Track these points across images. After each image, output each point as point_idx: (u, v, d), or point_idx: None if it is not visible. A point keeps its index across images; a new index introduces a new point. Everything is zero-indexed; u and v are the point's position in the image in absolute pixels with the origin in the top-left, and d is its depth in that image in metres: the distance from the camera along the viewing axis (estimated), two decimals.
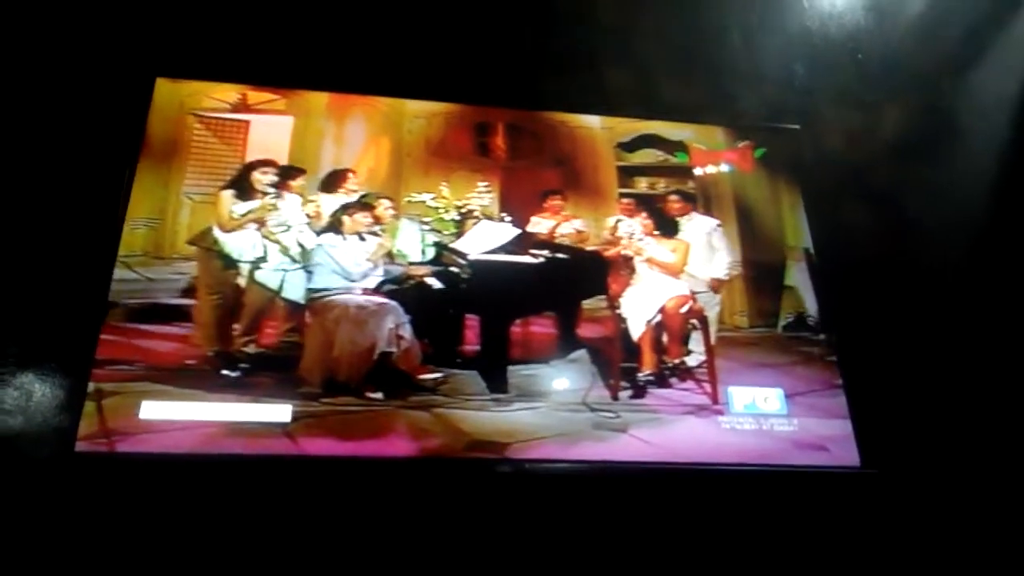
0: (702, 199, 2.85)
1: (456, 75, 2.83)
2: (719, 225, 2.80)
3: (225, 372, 2.29)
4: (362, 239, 2.56)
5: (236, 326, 2.41)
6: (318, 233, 2.55)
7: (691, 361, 2.61)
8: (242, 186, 2.53)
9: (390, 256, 2.60)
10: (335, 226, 2.55)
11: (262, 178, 2.55)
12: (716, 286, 2.74)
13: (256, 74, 2.68)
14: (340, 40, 2.82)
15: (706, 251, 2.77)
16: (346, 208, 2.58)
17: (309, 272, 2.49)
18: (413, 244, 2.66)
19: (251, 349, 2.38)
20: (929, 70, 3.34)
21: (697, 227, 2.80)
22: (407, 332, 2.42)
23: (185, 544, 2.09)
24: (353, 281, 2.49)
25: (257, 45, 2.75)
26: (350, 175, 2.65)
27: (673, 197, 2.83)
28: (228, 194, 2.51)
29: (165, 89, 2.57)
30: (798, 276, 2.76)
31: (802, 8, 3.32)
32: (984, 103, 3.30)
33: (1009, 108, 3.30)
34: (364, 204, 2.60)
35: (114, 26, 2.65)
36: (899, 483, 2.44)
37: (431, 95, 2.78)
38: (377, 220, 2.60)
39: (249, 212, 2.51)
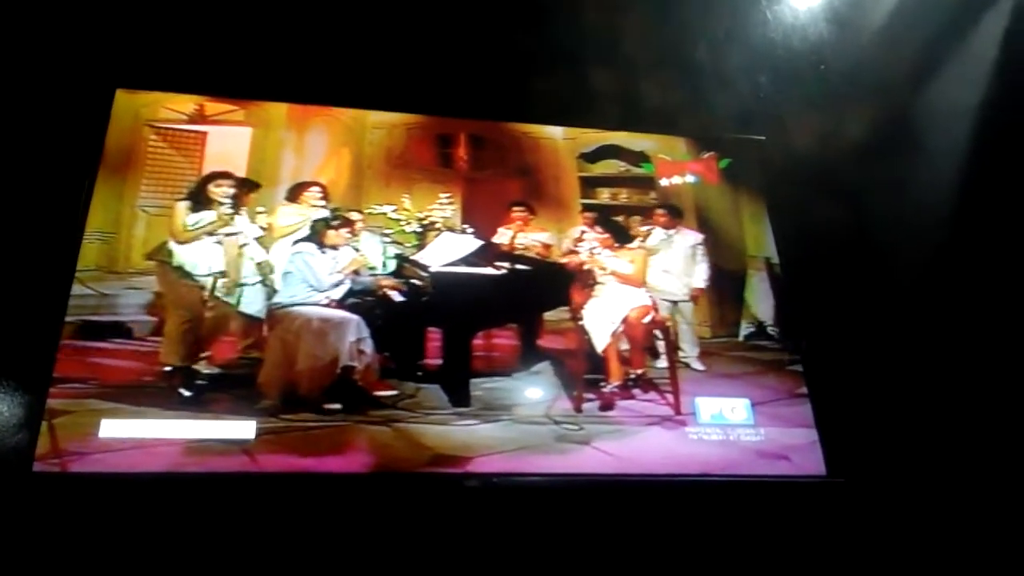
0: (673, 210, 2.88)
1: (418, 86, 2.83)
2: (705, 239, 2.83)
3: (183, 390, 2.25)
4: (335, 251, 2.56)
5: (199, 342, 2.38)
6: (295, 242, 2.54)
7: (655, 372, 2.62)
8: (198, 198, 2.50)
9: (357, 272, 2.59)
10: (315, 237, 2.55)
11: (218, 190, 2.53)
12: (696, 295, 2.78)
13: (214, 84, 2.66)
14: (300, 50, 2.81)
15: (688, 264, 2.81)
16: (329, 222, 2.58)
17: (267, 286, 2.47)
18: (375, 256, 2.65)
19: (204, 367, 2.34)
20: (890, 80, 3.39)
21: (683, 241, 2.83)
22: (368, 347, 2.41)
23: (145, 565, 2.05)
24: (322, 292, 2.48)
25: (215, 55, 2.73)
26: (314, 188, 2.63)
27: (660, 211, 2.86)
28: (183, 206, 2.49)
29: (122, 100, 2.54)
30: (759, 286, 2.79)
31: (766, 20, 3.36)
32: (944, 112, 3.35)
33: (970, 118, 3.35)
34: (347, 220, 2.61)
35: (73, 37, 2.62)
36: (864, 491, 2.45)
37: (393, 106, 2.78)
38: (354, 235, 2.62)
39: (203, 224, 2.48)
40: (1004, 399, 2.62)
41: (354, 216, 2.63)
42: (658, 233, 2.84)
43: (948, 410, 2.65)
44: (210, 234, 2.49)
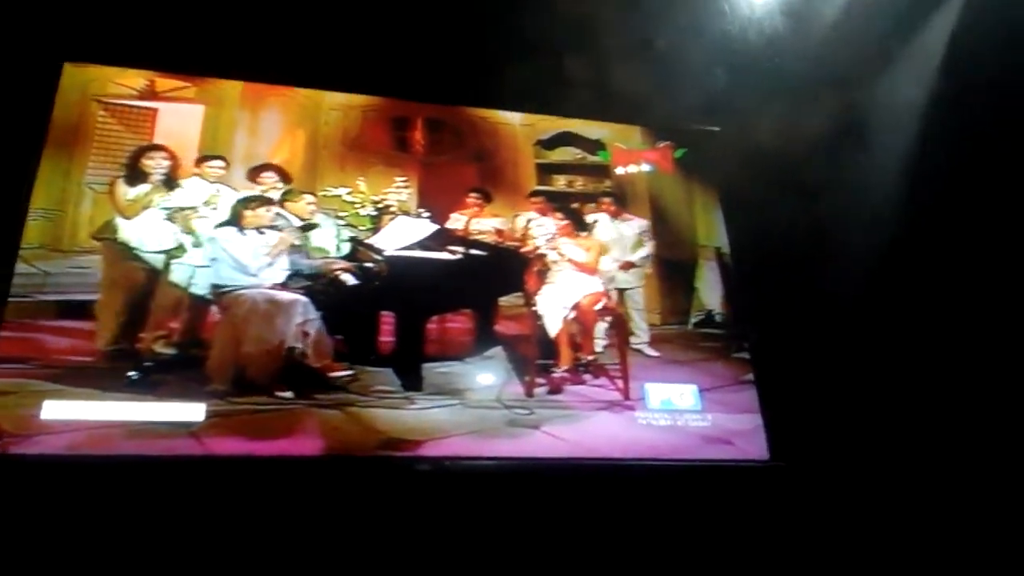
0: (619, 198, 2.93)
1: (375, 68, 2.81)
2: (650, 226, 2.89)
3: (131, 372, 2.23)
4: (261, 233, 2.50)
5: (146, 323, 2.36)
6: (216, 227, 2.50)
7: (607, 358, 2.67)
8: (133, 172, 2.47)
9: (306, 252, 2.58)
10: (235, 220, 2.49)
11: (150, 163, 2.49)
12: (626, 267, 2.84)
13: (165, 60, 2.61)
14: (255, 27, 2.76)
15: (633, 248, 2.88)
16: (246, 202, 2.52)
17: (209, 267, 2.46)
18: (328, 239, 2.65)
19: (161, 347, 2.34)
20: (843, 75, 3.47)
21: (630, 228, 2.89)
22: (313, 328, 2.41)
23: (85, 549, 2.03)
24: (252, 276, 2.44)
25: (167, 30, 2.67)
26: (270, 170, 2.61)
27: (607, 199, 2.91)
28: (120, 180, 2.46)
29: (70, 74, 2.49)
30: (709, 275, 2.86)
31: (723, 12, 3.42)
32: (895, 108, 3.44)
33: (920, 111, 3.45)
34: (267, 199, 2.56)
35: (20, 7, 2.55)
36: (806, 476, 2.54)
37: (349, 87, 2.77)
38: (297, 215, 2.60)
39: (140, 196, 2.46)
40: (947, 388, 2.73)
41: (302, 197, 2.62)
42: (604, 220, 2.89)
43: (889, 398, 2.75)
44: (147, 207, 2.46)
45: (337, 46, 2.82)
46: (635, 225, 2.91)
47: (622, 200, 2.92)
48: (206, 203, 2.53)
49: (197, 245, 2.47)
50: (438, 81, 2.89)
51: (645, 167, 2.95)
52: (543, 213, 2.82)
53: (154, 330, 2.37)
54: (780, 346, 2.72)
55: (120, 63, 2.57)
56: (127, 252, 2.41)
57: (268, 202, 2.56)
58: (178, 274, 2.45)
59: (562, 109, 2.97)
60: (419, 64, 2.89)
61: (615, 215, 2.90)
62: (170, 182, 2.51)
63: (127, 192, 2.45)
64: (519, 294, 2.72)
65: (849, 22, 3.60)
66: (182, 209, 2.49)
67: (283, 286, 2.48)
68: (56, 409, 2.10)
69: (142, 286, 2.40)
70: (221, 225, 2.49)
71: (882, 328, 2.87)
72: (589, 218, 2.87)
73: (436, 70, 2.90)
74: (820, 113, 3.34)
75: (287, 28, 2.79)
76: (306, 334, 2.40)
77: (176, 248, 2.46)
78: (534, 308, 2.68)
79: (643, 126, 3.02)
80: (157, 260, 2.44)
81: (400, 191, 2.74)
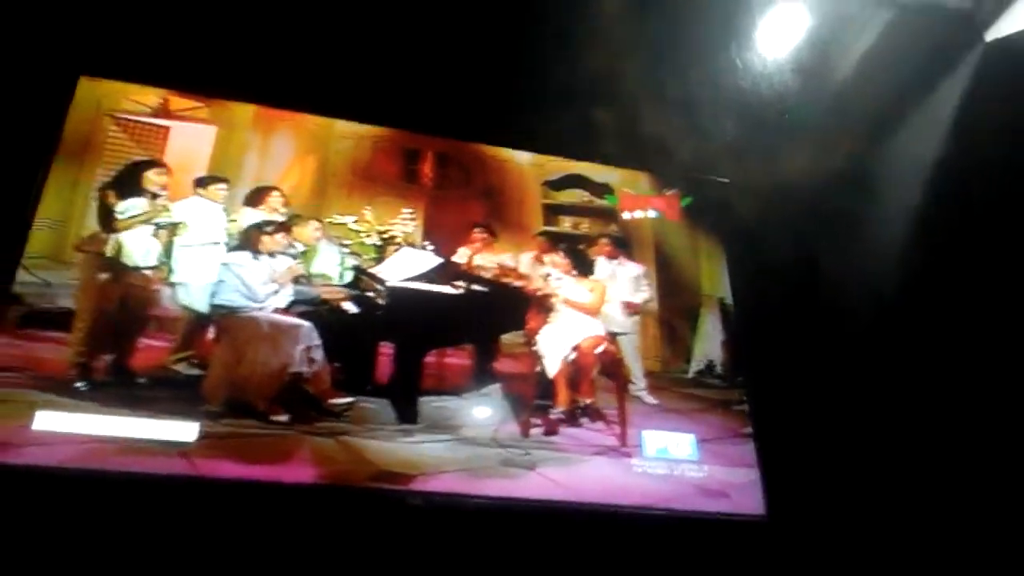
0: (624, 243, 2.98)
1: (388, 99, 2.89)
2: (647, 271, 2.94)
3: (79, 383, 2.26)
4: (272, 257, 2.55)
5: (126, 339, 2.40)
6: (229, 250, 2.54)
7: (604, 403, 2.69)
8: (130, 185, 2.51)
9: (307, 279, 2.61)
10: (248, 244, 2.54)
11: (149, 178, 2.54)
12: (630, 308, 2.88)
13: (181, 79, 2.68)
14: (271, 52, 2.84)
15: (631, 291, 2.92)
16: (262, 227, 2.57)
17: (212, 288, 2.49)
18: (331, 266, 2.69)
19: (182, 367, 2.40)
20: (852, 132, 3.56)
21: (626, 272, 2.93)
22: (319, 354, 2.45)
23: (68, 563, 2.03)
24: (259, 302, 2.48)
25: (185, 50, 2.75)
26: (275, 192, 2.67)
27: (604, 240, 2.95)
28: (111, 192, 2.49)
29: (85, 87, 2.56)
30: (711, 324, 2.91)
31: (736, 68, 3.52)
32: (903, 166, 3.52)
33: (927, 172, 3.52)
34: (283, 225, 2.62)
35: (40, 20, 2.63)
36: (801, 534, 2.55)
37: (361, 117, 2.84)
38: (301, 241, 2.65)
39: (133, 210, 2.49)
40: (949, 450, 2.74)
41: (309, 223, 2.67)
42: (602, 263, 2.95)
43: (890, 459, 2.76)
44: (145, 223, 2.50)
45: (352, 75, 2.90)
46: (631, 269, 2.97)
47: (621, 243, 2.98)
48: (200, 223, 2.57)
49: (182, 262, 2.51)
50: (450, 116, 2.95)
51: (652, 213, 3.00)
52: (544, 252, 2.87)
53: (130, 347, 2.39)
54: (780, 401, 2.75)
55: (136, 80, 2.63)
56: (110, 265, 2.43)
57: (283, 227, 2.61)
58: (173, 293, 2.49)
59: (572, 151, 3.02)
60: (432, 98, 2.96)
61: (611, 256, 2.95)
62: (165, 200, 2.55)
63: (120, 205, 2.48)
64: (520, 332, 2.75)
65: (860, 80, 3.71)
66: (173, 225, 2.53)
67: (285, 311, 2.51)
68: (48, 420, 2.12)
69: (122, 301, 2.42)
70: (234, 249, 2.54)
71: (884, 386, 2.90)
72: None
73: (449, 105, 2.97)
74: (827, 169, 3.42)
75: (302, 54, 2.87)
76: (312, 360, 2.44)
77: (159, 265, 2.50)
78: (534, 348, 2.71)
79: (651, 172, 3.07)
80: (140, 276, 2.47)
81: (406, 222, 2.80)
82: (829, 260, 3.18)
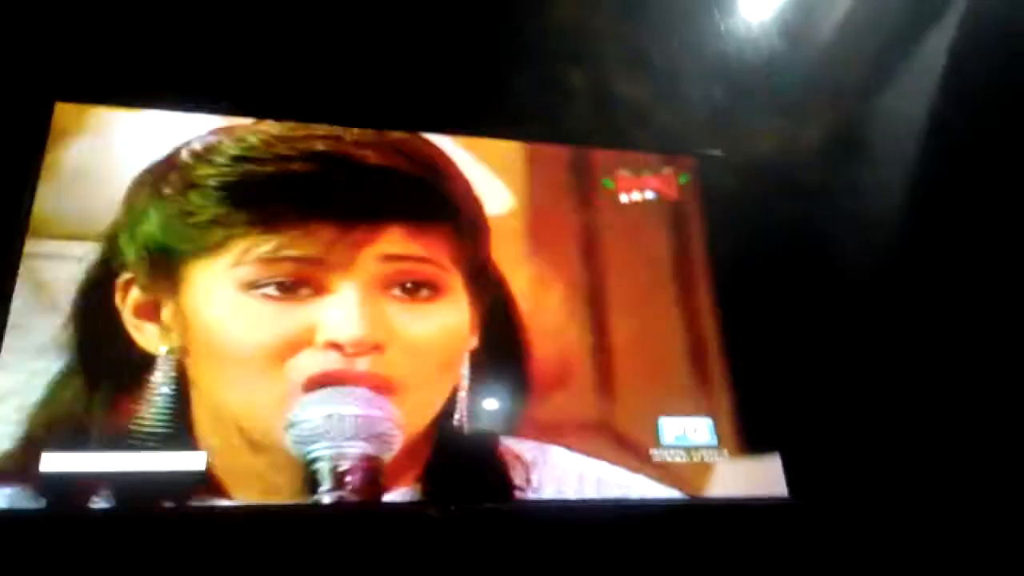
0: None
1: (381, 99, 2.79)
2: None
3: None
4: None
5: None
6: None
7: None
8: None
9: None
10: None
11: None
12: None
13: (159, 100, 2.55)
14: (265, 69, 2.76)
15: None
16: None
17: None
18: None
19: None
20: (841, 94, 3.52)
21: None
22: None
23: None
24: None
25: (164, 70, 2.66)
26: None
27: None
28: None
29: (61, 112, 2.41)
30: None
31: (719, 33, 3.45)
32: (895, 123, 3.49)
33: (920, 126, 3.49)
34: None
35: (12, 44, 2.54)
36: (826, 514, 2.53)
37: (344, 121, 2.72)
38: None
39: None
40: (968, 426, 2.75)
41: None
42: None
43: (910, 436, 2.75)
44: None
45: (351, 87, 2.82)
46: None
47: None
48: None
49: None
50: (436, 106, 2.86)
51: (649, 195, 2.93)
52: None
53: None
54: (793, 381, 2.71)
55: (113, 103, 2.51)
56: None
57: None
58: None
59: (559, 136, 2.94)
60: (411, 91, 2.87)
61: None
62: None
63: None
64: None
65: (843, 38, 3.66)
66: None
67: None
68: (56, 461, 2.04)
69: None
70: None
71: (904, 358, 2.88)
72: None
73: (432, 94, 2.89)
74: (818, 134, 3.38)
75: (305, 72, 2.79)
76: None
77: None
78: None
79: (646, 152, 2.99)
80: None
81: None
82: (829, 228, 3.14)
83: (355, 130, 2.49)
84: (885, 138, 3.46)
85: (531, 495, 2.30)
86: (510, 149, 2.78)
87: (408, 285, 2.24)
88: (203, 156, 2.29)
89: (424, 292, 2.26)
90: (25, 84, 2.48)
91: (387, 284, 2.22)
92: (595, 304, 2.65)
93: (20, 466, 1.99)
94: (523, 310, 2.51)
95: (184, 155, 2.30)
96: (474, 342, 2.37)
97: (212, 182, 2.21)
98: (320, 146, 2.40)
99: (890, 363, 2.86)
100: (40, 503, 1.96)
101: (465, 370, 2.34)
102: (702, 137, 3.18)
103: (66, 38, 2.61)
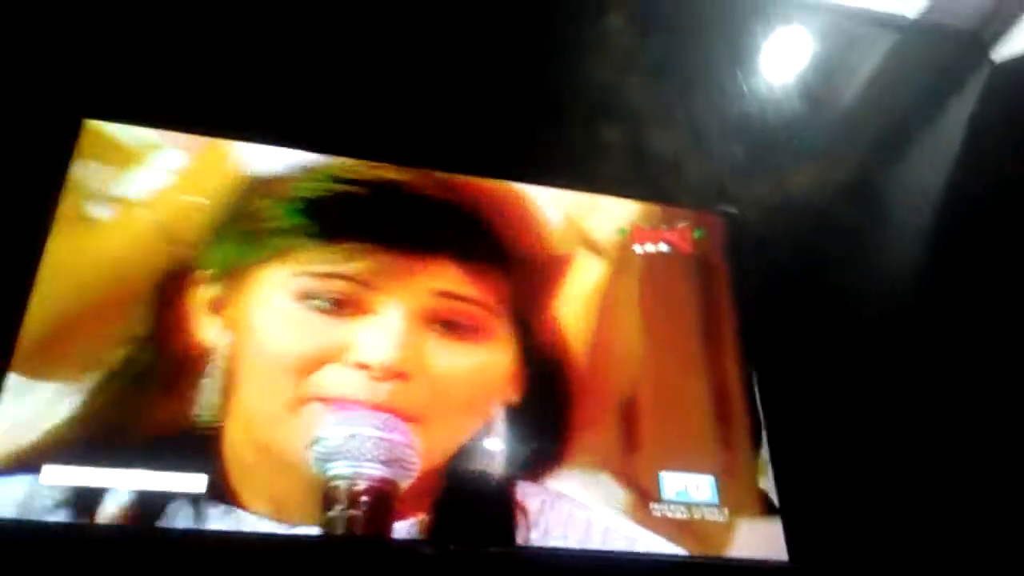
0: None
1: (408, 142, 2.80)
2: None
3: None
4: None
5: None
6: None
7: None
8: None
9: None
10: None
11: None
12: None
13: (185, 120, 2.61)
14: (279, 92, 2.81)
15: None
16: None
17: None
18: None
19: None
20: (860, 156, 3.56)
21: None
22: None
23: None
24: None
25: (192, 89, 2.72)
26: None
27: None
28: None
29: (88, 130, 2.48)
30: None
31: (742, 94, 3.51)
32: (911, 188, 3.51)
33: (935, 194, 3.52)
34: None
35: (41, 62, 2.60)
36: None
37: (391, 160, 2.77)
38: None
39: None
40: (976, 489, 2.71)
41: None
42: None
43: (914, 497, 2.72)
44: None
45: (384, 118, 2.86)
46: None
47: None
48: None
49: None
50: (455, 150, 2.90)
51: (663, 247, 2.95)
52: None
53: None
54: (798, 438, 2.70)
55: (139, 122, 2.56)
56: None
57: None
58: None
59: (579, 184, 2.97)
60: (433, 132, 2.92)
61: None
62: None
63: None
64: None
65: (866, 103, 3.71)
66: None
67: None
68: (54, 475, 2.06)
69: None
70: None
71: (908, 423, 2.86)
72: None
73: (451, 139, 2.93)
74: (837, 197, 3.40)
75: (321, 99, 2.84)
76: None
77: None
78: None
79: (662, 205, 3.02)
80: None
81: None
82: (844, 288, 3.14)
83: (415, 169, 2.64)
84: (903, 203, 3.49)
85: (536, 540, 2.29)
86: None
87: (452, 323, 2.30)
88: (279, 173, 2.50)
89: (465, 332, 2.32)
90: (54, 101, 2.54)
91: (432, 318, 2.28)
92: (627, 356, 2.68)
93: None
94: (574, 365, 2.56)
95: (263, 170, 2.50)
96: (512, 394, 2.42)
97: (288, 193, 2.41)
98: (385, 174, 2.56)
99: (900, 432, 2.83)
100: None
101: (498, 413, 2.37)
102: (719, 193, 3.22)
103: (93, 57, 2.68)
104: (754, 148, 3.45)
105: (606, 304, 2.71)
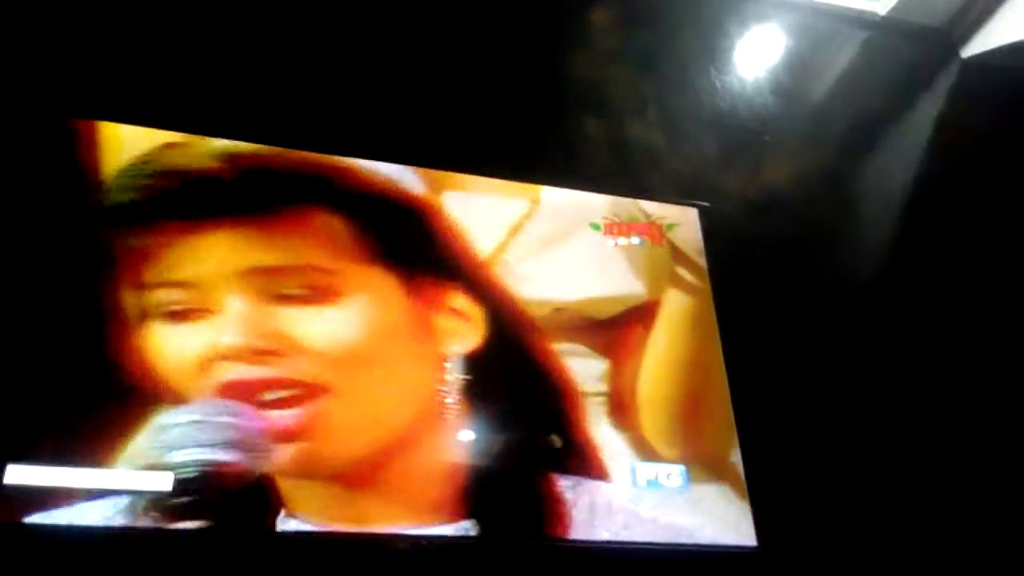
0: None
1: (402, 141, 2.81)
2: None
3: None
4: None
5: None
6: None
7: None
8: None
9: None
10: None
11: None
12: None
13: (174, 119, 2.59)
14: (272, 92, 2.79)
15: None
16: None
17: None
18: None
19: None
20: (832, 154, 3.60)
21: None
22: None
23: None
24: None
25: (178, 88, 2.69)
26: None
27: None
28: None
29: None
30: None
31: (714, 90, 3.55)
32: (881, 184, 3.56)
33: (905, 189, 3.57)
34: None
35: (25, 63, 2.56)
36: (794, 565, 2.51)
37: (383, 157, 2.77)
38: None
39: None
40: (947, 473, 2.75)
41: None
42: None
43: (885, 481, 2.75)
44: None
45: (373, 118, 2.86)
46: None
47: None
48: None
49: None
50: (432, 147, 2.91)
51: (635, 240, 2.97)
52: None
53: None
54: (769, 428, 2.72)
55: (127, 120, 2.53)
56: None
57: None
58: None
59: (552, 180, 2.98)
60: (415, 129, 2.93)
61: None
62: None
63: None
64: None
65: (837, 99, 3.76)
66: None
67: None
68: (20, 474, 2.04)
69: None
70: None
71: (879, 407, 2.89)
72: None
73: (428, 136, 2.94)
74: (807, 193, 3.44)
75: (322, 101, 2.83)
76: None
77: None
78: None
79: (634, 198, 3.04)
80: None
81: None
82: (812, 282, 3.18)
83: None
84: (874, 196, 3.53)
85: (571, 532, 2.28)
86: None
87: (292, 295, 2.18)
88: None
89: (314, 297, 2.20)
90: (39, 102, 2.48)
91: (267, 294, 2.16)
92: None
93: None
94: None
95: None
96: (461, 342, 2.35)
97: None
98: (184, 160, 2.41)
99: (873, 419, 2.86)
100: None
101: (450, 378, 2.31)
102: (692, 187, 3.25)
103: (80, 57, 2.66)
104: (727, 142, 3.50)
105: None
